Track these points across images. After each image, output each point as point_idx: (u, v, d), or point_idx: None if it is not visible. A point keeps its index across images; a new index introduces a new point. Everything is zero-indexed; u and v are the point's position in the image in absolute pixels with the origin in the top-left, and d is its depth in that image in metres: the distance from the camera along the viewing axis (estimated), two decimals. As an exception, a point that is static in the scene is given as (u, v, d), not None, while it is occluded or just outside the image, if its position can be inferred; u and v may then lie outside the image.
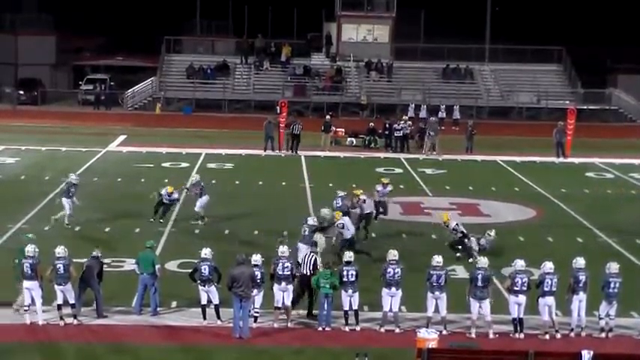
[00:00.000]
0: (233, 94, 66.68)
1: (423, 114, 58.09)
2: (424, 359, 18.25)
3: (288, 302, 21.86)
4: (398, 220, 32.39)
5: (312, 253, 23.19)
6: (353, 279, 21.77)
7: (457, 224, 27.97)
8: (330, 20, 71.56)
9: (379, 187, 31.40)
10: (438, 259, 21.81)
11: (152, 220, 30.64)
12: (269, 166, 43.93)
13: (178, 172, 40.47)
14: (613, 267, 21.80)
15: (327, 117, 50.81)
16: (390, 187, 31.69)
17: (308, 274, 22.48)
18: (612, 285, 21.48)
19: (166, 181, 34.67)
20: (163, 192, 30.75)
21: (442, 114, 58.97)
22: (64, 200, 30.36)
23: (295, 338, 21.11)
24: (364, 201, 29.74)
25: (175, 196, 30.90)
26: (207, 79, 67.24)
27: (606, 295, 21.52)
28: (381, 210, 31.15)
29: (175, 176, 37.97)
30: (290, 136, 47.38)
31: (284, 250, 22.09)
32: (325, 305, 21.62)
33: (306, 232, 25.68)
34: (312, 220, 26.31)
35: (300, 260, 23.26)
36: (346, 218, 27.30)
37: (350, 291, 21.71)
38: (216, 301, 21.73)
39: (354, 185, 34.13)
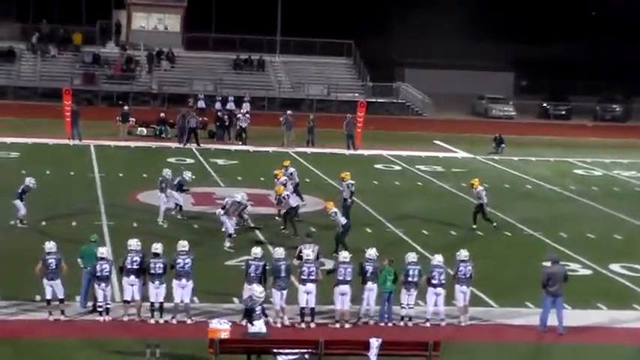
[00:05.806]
0: (19, 81, 64.67)
1: (230, 105, 56.70)
2: (216, 349, 18.21)
3: (138, 296, 21.36)
4: (188, 211, 32.15)
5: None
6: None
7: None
8: (120, 8, 70.38)
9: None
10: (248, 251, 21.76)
11: None
12: (57, 155, 42.79)
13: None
14: (411, 256, 22.12)
15: (126, 107, 50.47)
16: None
17: None
18: (411, 273, 21.78)
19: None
20: None
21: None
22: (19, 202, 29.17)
23: (82, 330, 20.61)
24: (288, 196, 30.18)
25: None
26: (-10, 65, 64.95)
27: (405, 283, 21.83)
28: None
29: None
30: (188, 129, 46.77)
31: (131, 244, 21.54)
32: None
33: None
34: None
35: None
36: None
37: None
38: (60, 295, 21.19)
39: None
